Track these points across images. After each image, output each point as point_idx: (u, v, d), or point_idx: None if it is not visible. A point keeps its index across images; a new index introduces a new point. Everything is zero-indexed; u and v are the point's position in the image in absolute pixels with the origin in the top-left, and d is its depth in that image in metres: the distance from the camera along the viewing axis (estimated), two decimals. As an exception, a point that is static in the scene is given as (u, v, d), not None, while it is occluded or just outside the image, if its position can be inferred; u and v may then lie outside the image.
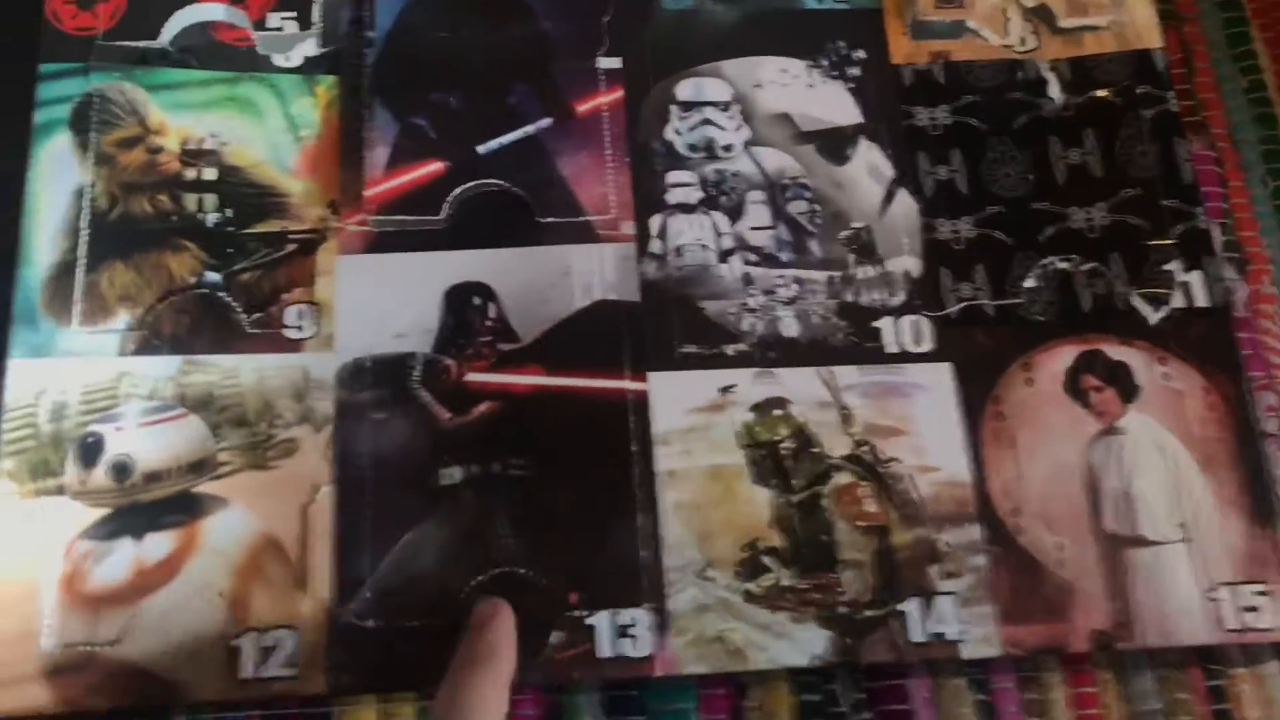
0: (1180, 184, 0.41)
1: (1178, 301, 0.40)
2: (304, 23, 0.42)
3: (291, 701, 0.35)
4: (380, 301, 0.39)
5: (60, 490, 0.36)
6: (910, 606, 0.36)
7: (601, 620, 0.35)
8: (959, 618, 0.36)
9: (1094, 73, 0.43)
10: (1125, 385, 0.39)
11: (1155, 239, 0.40)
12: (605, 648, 0.35)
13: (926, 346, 0.39)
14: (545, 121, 0.41)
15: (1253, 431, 0.38)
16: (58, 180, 0.40)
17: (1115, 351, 0.39)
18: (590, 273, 0.39)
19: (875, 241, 0.41)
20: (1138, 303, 0.40)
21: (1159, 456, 0.38)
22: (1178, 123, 0.42)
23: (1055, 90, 0.43)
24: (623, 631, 0.35)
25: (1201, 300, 0.40)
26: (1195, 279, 0.40)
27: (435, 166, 0.41)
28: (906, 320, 0.40)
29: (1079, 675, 0.38)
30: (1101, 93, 0.42)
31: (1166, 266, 0.40)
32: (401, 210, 0.40)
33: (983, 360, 0.39)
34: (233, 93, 0.41)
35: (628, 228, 0.40)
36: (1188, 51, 0.45)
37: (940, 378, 0.39)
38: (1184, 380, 0.39)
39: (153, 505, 0.36)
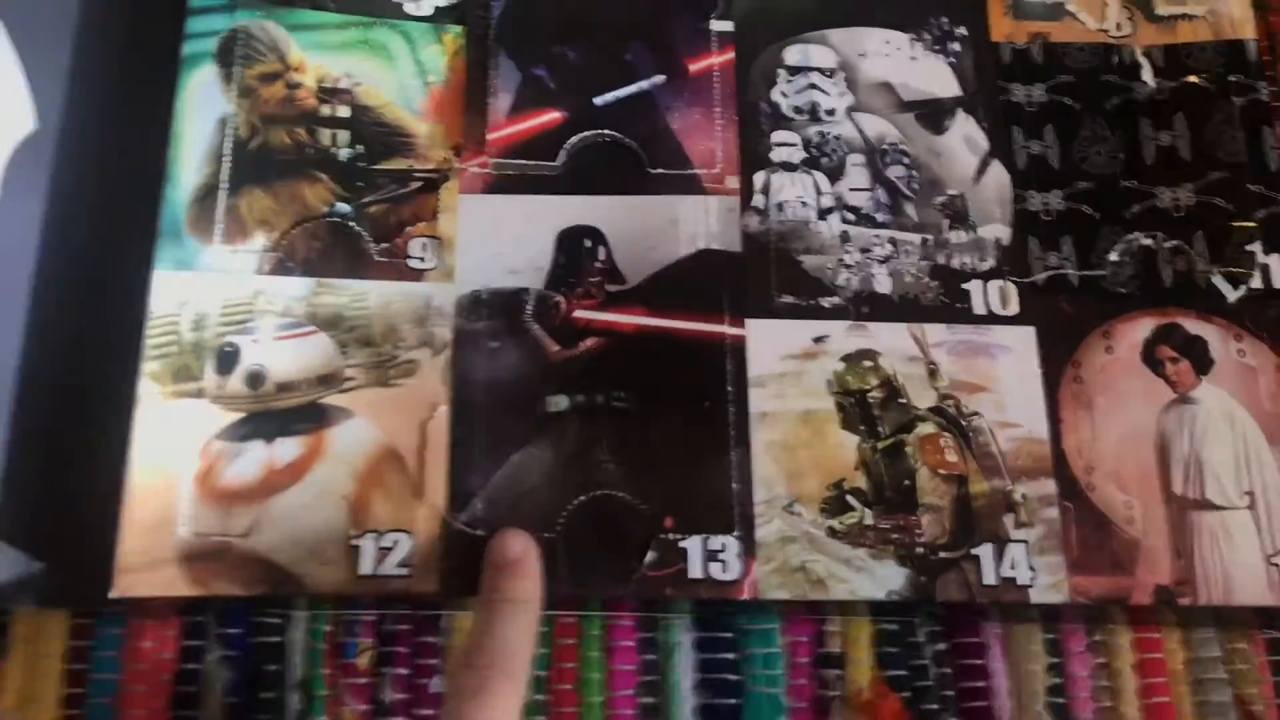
0: (1267, 170, 0.43)
1: (1256, 282, 0.42)
2: (436, -27, 0.45)
3: (403, 599, 0.38)
4: (497, 239, 0.41)
5: (199, 394, 0.39)
6: (984, 551, 0.38)
7: (693, 544, 0.38)
8: (1030, 565, 0.38)
9: (1187, 60, 0.45)
10: (1200, 358, 0.41)
11: (1239, 221, 0.42)
12: (696, 569, 0.37)
13: (1012, 310, 0.41)
14: (659, 78, 0.44)
15: (1322, 409, 0.40)
16: (203, 109, 0.42)
17: (1193, 326, 0.41)
18: (695, 223, 0.42)
19: (968, 208, 0.43)
20: (1218, 281, 0.42)
21: (1229, 427, 0.40)
22: (1267, 111, 0.44)
23: (1148, 75, 0.45)
24: (712, 556, 0.38)
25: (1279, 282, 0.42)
26: (1275, 261, 0.42)
27: (554, 115, 0.43)
28: (994, 284, 0.42)
29: (1144, 629, 0.40)
30: (1194, 79, 0.44)
31: (1248, 248, 0.42)
32: (520, 155, 0.43)
33: (1065, 326, 0.41)
34: (367, 36, 0.44)
35: (732, 182, 0.42)
36: (1274, 41, 0.47)
37: (1024, 340, 0.41)
38: (1258, 357, 0.41)
39: (283, 413, 0.39)
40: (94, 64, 0.43)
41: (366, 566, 0.37)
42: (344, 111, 0.43)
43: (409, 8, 0.44)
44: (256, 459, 0.38)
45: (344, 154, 0.42)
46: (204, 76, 0.43)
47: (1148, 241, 0.42)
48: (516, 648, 0.34)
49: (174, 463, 0.38)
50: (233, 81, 0.43)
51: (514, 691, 0.33)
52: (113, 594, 0.36)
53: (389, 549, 0.37)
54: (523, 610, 0.35)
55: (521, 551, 0.36)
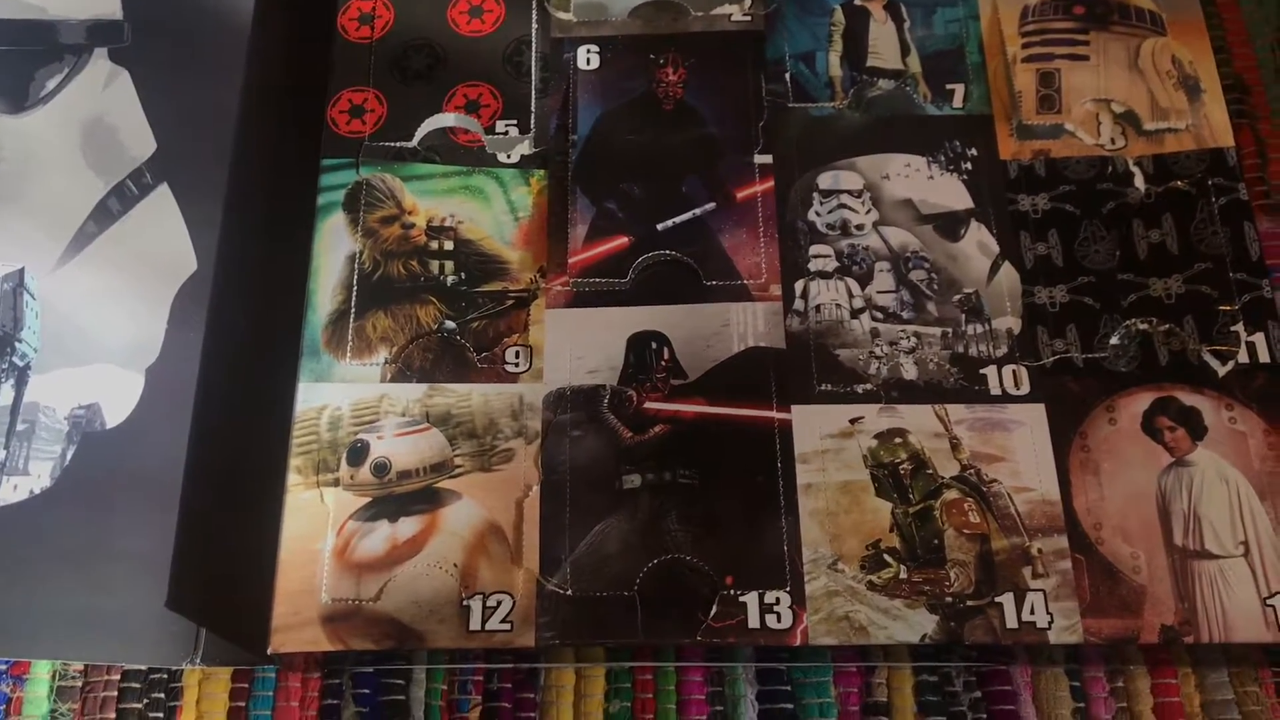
0: (1248, 260, 0.48)
1: (1242, 358, 0.46)
2: (522, 129, 0.52)
3: (506, 651, 0.44)
4: (578, 345, 0.48)
5: (336, 482, 0.46)
6: (1006, 599, 0.43)
7: (751, 598, 0.43)
8: (1047, 610, 0.43)
9: (1173, 167, 0.50)
10: (1195, 426, 0.46)
11: (1223, 305, 0.47)
12: (754, 620, 0.43)
13: (1024, 390, 0.47)
14: (711, 205, 0.50)
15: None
16: (335, 248, 0.50)
17: (1187, 398, 0.46)
18: (745, 325, 0.48)
19: (983, 304, 0.48)
20: (1208, 358, 0.47)
21: (1223, 485, 0.45)
22: (1247, 209, 0.49)
23: (1139, 182, 0.50)
24: (768, 608, 0.43)
25: (1263, 357, 0.47)
26: (1258, 339, 0.47)
27: (622, 240, 0.50)
28: (1008, 369, 0.47)
29: (1162, 673, 0.45)
30: (1179, 183, 0.50)
31: (1233, 328, 0.47)
32: (596, 274, 0.49)
33: (1072, 402, 0.46)
34: (466, 182, 0.51)
35: (776, 290, 0.49)
36: (1261, 144, 0.53)
37: (1035, 416, 0.46)
38: (1247, 423, 0.46)
39: (404, 496, 0.45)
40: (243, 214, 0.51)
41: (475, 623, 0.43)
42: (449, 245, 0.50)
43: (501, 157, 0.52)
44: (383, 535, 0.45)
45: (449, 280, 0.49)
46: (335, 221, 0.51)
47: (1144, 326, 0.47)
48: None
49: (316, 540, 0.45)
50: (358, 224, 0.50)
51: None
52: (269, 650, 0.43)
53: (494, 608, 0.43)
54: None
55: None
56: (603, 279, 0.49)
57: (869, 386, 0.47)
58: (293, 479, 0.46)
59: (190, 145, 0.52)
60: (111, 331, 0.48)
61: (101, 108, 0.53)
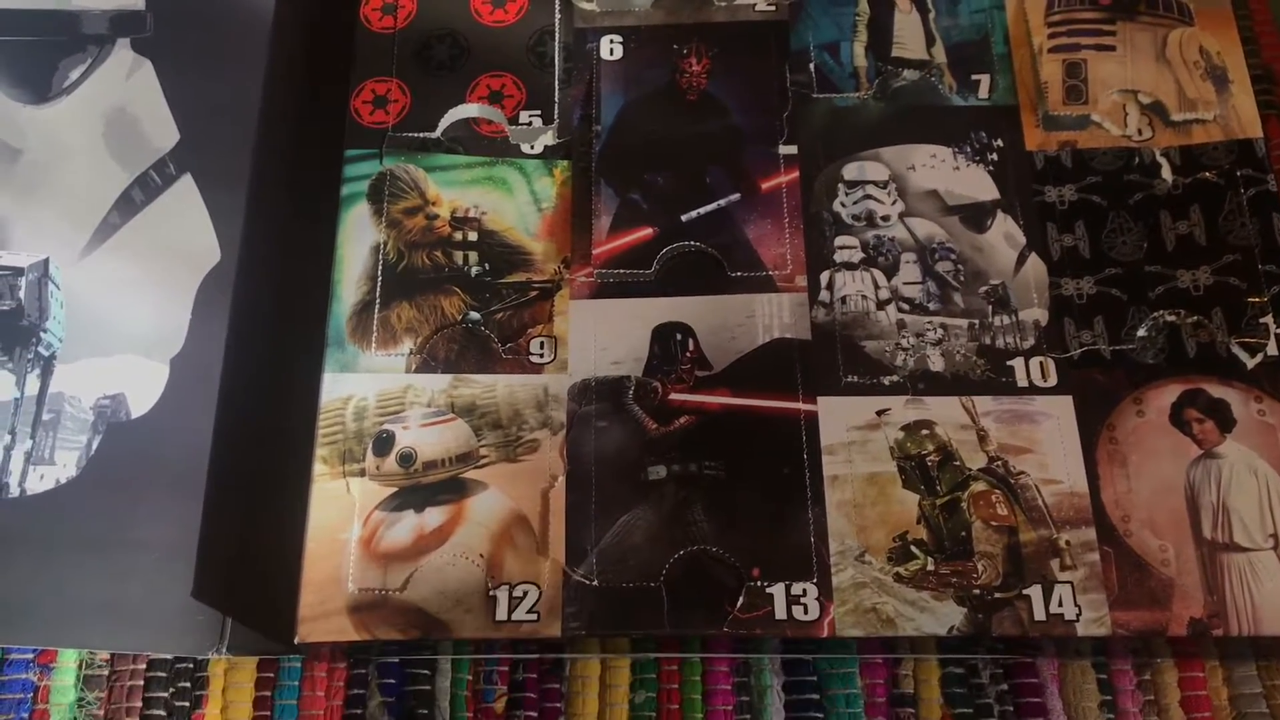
0: (1277, 251, 0.48)
1: (1272, 350, 0.46)
2: (546, 119, 0.52)
3: (532, 642, 0.44)
4: (603, 336, 0.48)
5: (361, 473, 0.46)
6: (1034, 591, 0.43)
7: (778, 590, 0.43)
8: (1075, 602, 0.43)
9: (1200, 159, 0.50)
10: (1224, 418, 0.45)
11: (1252, 297, 0.47)
12: (781, 612, 0.43)
13: (1052, 382, 0.46)
14: (735, 196, 0.50)
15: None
16: (359, 239, 0.50)
17: (1216, 391, 0.46)
18: (770, 316, 0.48)
19: (1009, 296, 0.48)
20: (1236, 350, 0.46)
21: (1252, 478, 0.44)
22: (1276, 200, 0.49)
23: (1166, 173, 0.50)
24: (795, 600, 0.43)
25: (1293, 349, 0.46)
26: (1288, 331, 0.47)
27: (647, 231, 0.50)
28: (1035, 360, 0.47)
29: (1189, 662, 0.45)
30: (1207, 174, 0.50)
31: (1262, 320, 0.47)
32: (620, 265, 0.49)
33: (1099, 395, 0.46)
34: (490, 173, 0.51)
35: (801, 281, 0.48)
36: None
37: (1063, 408, 0.46)
38: (1276, 416, 0.45)
39: (430, 486, 0.45)
40: (267, 205, 0.51)
41: (501, 613, 0.43)
42: (473, 236, 0.50)
43: (524, 148, 0.52)
44: (409, 525, 0.45)
45: (474, 271, 0.49)
46: (359, 212, 0.51)
47: (1171, 318, 0.47)
48: None
49: (342, 530, 0.45)
50: (382, 215, 0.50)
51: None
52: (296, 640, 0.43)
53: (520, 598, 0.43)
54: None
55: None
56: (627, 270, 0.49)
57: (895, 378, 0.47)
58: (319, 469, 0.46)
59: (213, 135, 0.52)
60: (136, 322, 0.49)
61: (124, 98, 0.53)
